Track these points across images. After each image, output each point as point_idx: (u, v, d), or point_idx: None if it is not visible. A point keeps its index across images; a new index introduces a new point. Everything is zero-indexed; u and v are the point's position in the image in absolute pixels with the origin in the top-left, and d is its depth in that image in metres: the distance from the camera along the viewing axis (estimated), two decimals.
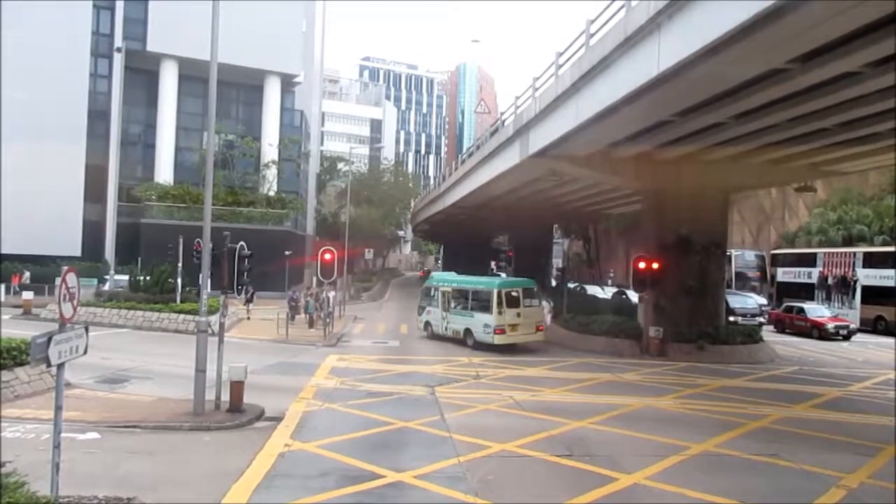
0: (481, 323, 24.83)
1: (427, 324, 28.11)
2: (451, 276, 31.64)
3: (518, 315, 24.56)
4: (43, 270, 34.98)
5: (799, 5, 10.60)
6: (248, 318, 31.31)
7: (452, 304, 26.69)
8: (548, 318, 28.91)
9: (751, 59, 13.48)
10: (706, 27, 12.77)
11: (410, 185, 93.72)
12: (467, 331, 25.54)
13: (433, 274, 39.73)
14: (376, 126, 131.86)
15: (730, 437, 12.82)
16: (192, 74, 44.66)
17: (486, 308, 24.72)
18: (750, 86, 15.33)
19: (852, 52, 12.53)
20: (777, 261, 44.15)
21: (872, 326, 35.12)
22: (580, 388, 17.90)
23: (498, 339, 24.21)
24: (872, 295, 35.35)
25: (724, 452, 11.89)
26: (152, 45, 45.39)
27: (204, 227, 13.99)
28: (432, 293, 28.07)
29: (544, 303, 28.76)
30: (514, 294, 24.95)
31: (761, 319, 34.73)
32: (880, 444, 12.60)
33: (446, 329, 26.83)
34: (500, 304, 24.31)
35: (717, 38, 12.48)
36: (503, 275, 52.18)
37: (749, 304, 36.10)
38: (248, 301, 31.47)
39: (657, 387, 18.31)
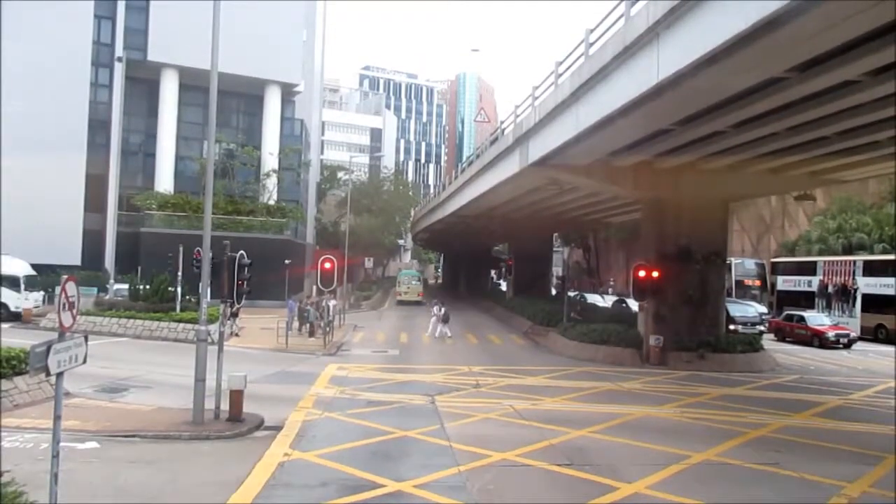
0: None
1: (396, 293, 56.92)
2: (404, 270, 72.09)
3: (408, 288, 56.09)
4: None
5: (797, 15, 10.62)
6: (234, 335, 27.36)
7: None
8: (437, 328, 31.58)
9: (749, 69, 13.52)
10: (704, 37, 12.80)
11: (410, 193, 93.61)
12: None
13: (401, 269, 73.82)
14: (376, 135, 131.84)
15: (730, 447, 12.79)
16: (193, 84, 44.70)
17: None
18: (749, 95, 15.36)
19: (851, 60, 12.55)
20: (777, 269, 44.16)
21: (873, 335, 35.08)
22: (581, 396, 17.87)
23: (397, 298, 55.52)
24: (873, 303, 35.36)
25: (724, 461, 11.85)
26: (153, 55, 45.38)
27: (204, 235, 14.01)
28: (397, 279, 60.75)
29: (438, 308, 32.28)
30: (405, 278, 58.69)
31: (761, 328, 34.67)
32: (881, 453, 12.55)
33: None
34: (398, 282, 58.49)
35: (715, 47, 12.51)
36: (419, 273, 74.57)
37: (749, 313, 36.05)
38: (234, 315, 27.41)
39: (658, 396, 18.29)
